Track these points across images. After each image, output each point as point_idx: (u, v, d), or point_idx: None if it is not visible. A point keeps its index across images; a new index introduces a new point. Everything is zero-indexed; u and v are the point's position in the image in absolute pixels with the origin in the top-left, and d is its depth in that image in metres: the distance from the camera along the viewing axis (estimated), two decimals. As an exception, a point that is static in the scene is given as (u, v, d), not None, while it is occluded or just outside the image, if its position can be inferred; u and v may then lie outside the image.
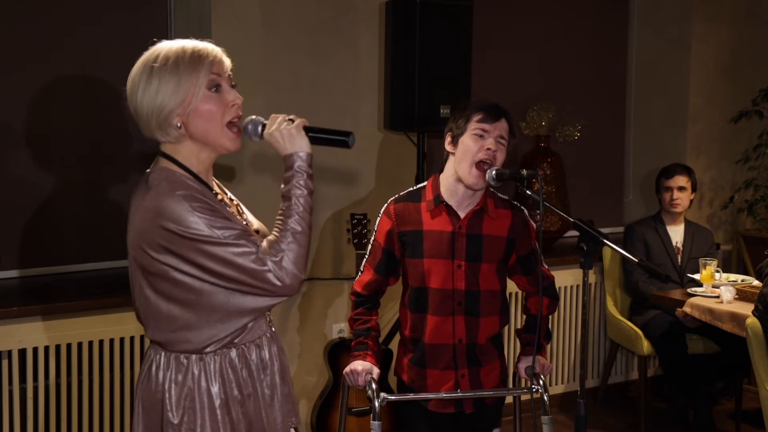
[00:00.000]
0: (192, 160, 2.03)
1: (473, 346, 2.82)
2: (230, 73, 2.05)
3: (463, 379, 2.82)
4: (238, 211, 2.15)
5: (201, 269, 1.93)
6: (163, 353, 2.04)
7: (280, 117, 2.06)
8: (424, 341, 2.82)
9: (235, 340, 2.04)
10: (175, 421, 2.00)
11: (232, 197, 2.21)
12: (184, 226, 1.90)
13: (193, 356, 2.01)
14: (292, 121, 2.04)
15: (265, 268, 1.92)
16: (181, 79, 1.96)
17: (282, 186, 2.04)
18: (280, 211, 2.03)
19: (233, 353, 2.04)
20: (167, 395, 2.01)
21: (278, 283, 1.94)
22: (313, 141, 2.06)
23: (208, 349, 2.01)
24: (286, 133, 2.02)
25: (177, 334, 2.00)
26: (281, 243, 1.96)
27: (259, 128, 2.09)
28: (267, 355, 2.12)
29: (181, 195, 1.92)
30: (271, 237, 2.01)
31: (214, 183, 2.13)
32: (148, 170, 2.04)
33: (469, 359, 2.83)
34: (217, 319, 1.99)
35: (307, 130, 2.05)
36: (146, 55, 2.02)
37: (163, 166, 2.02)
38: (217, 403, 2.02)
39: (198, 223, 1.90)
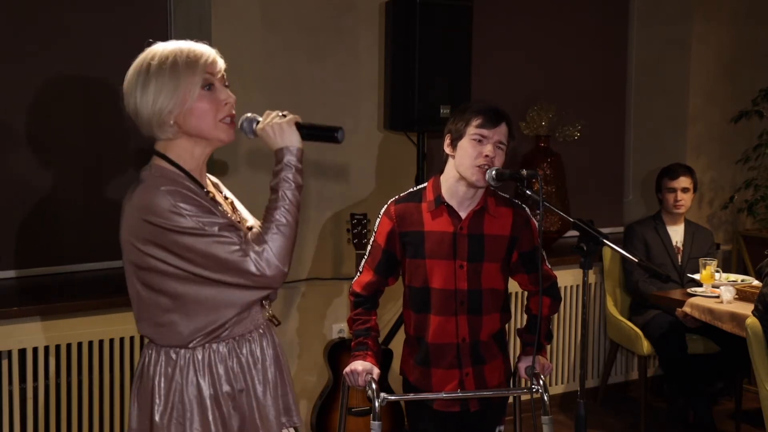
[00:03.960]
0: (185, 157, 2.07)
1: (476, 345, 2.83)
2: (223, 73, 2.08)
3: (468, 377, 2.83)
4: (232, 208, 2.18)
5: (186, 261, 1.95)
6: (154, 349, 2.07)
7: (273, 113, 2.08)
8: (427, 340, 2.83)
9: (224, 334, 2.04)
10: (165, 416, 2.02)
11: (227, 195, 2.23)
12: (168, 219, 1.93)
13: (182, 350, 2.03)
14: (285, 116, 2.07)
15: (247, 259, 1.94)
16: (179, 81, 2.00)
17: (271, 179, 2.06)
18: (268, 204, 2.05)
19: (222, 347, 2.05)
20: (156, 389, 2.03)
21: (258, 273, 1.94)
22: (305, 137, 2.08)
23: (194, 342, 2.02)
24: (277, 128, 2.04)
25: (165, 328, 2.03)
26: (265, 234, 1.97)
27: (254, 125, 2.12)
28: (258, 350, 2.11)
29: (165, 189, 1.95)
30: (256, 229, 2.02)
31: (207, 180, 2.16)
32: (143, 169, 2.08)
33: (473, 358, 2.83)
34: (204, 311, 2.00)
35: (299, 126, 2.07)
36: (142, 57, 2.05)
37: (155, 164, 2.07)
38: (207, 397, 2.02)
39: (181, 216, 1.93)
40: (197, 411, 2.02)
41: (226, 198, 2.20)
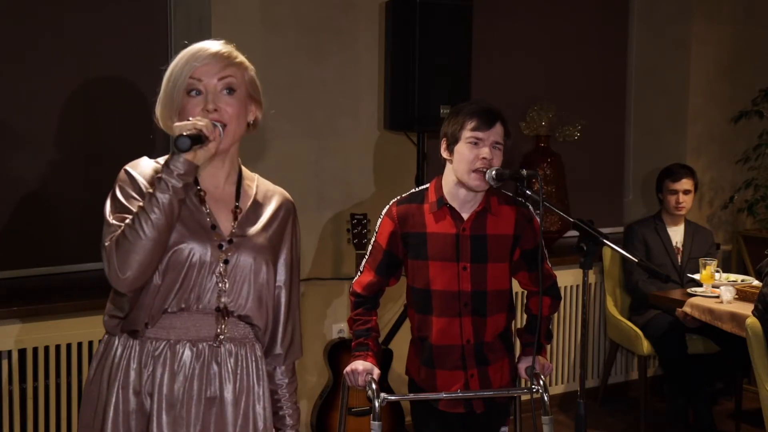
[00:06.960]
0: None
1: (481, 346, 2.82)
2: (229, 77, 2.05)
3: (473, 378, 2.82)
4: (234, 213, 2.08)
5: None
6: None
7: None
8: (431, 342, 2.82)
9: (137, 329, 1.98)
10: (90, 377, 2.06)
11: (242, 204, 2.11)
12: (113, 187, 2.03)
13: (114, 337, 2.03)
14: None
15: (103, 251, 1.95)
16: (171, 78, 2.02)
17: None
18: None
19: (149, 345, 1.99)
20: (93, 364, 2.07)
21: (106, 269, 1.93)
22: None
23: (112, 327, 2.02)
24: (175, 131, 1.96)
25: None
26: (117, 231, 1.94)
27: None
28: (189, 366, 1.99)
29: (124, 170, 2.03)
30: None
31: (221, 179, 2.09)
32: None
33: (478, 359, 2.82)
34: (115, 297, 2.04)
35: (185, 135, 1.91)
36: None
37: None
38: (116, 384, 1.99)
39: (110, 199, 2.02)
40: (107, 388, 2.00)
41: (237, 208, 2.08)
